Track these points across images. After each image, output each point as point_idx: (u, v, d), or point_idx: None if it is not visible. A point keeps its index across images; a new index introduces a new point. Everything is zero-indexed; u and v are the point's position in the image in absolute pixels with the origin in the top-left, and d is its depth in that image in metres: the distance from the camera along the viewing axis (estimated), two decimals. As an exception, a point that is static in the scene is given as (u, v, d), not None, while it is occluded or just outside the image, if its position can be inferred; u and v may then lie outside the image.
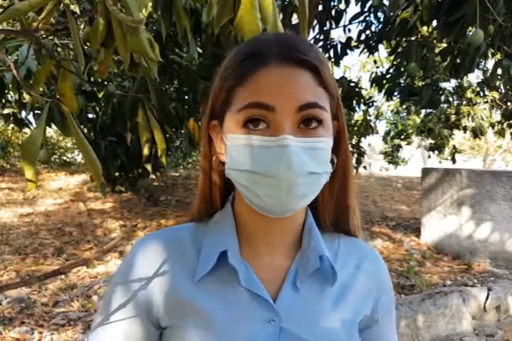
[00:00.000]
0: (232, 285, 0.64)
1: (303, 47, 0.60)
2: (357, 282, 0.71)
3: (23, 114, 4.12)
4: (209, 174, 0.70)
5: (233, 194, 0.71)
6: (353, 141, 6.05)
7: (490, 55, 4.48)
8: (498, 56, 4.15)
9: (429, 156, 9.19)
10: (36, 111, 3.64)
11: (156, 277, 0.66)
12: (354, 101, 5.21)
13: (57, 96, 1.27)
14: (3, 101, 3.43)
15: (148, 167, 3.93)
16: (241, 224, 0.69)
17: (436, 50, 4.12)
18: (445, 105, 6.83)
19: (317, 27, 4.62)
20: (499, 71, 4.21)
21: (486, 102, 7.16)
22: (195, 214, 0.74)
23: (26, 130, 4.59)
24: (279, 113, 0.56)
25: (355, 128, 6.16)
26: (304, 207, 0.68)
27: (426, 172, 4.30)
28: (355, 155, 5.77)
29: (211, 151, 0.69)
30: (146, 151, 1.39)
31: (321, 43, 4.73)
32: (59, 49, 2.81)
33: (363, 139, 6.46)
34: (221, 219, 0.70)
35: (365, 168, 6.65)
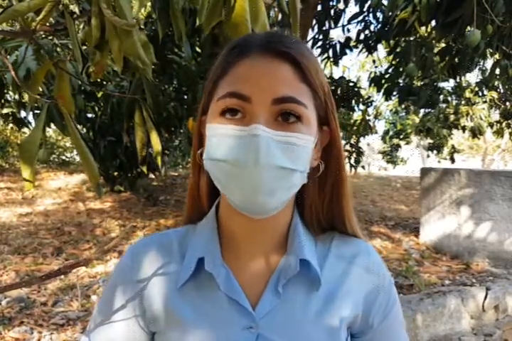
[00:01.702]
0: (212, 290, 0.64)
1: (287, 40, 0.60)
2: (346, 284, 0.68)
3: (23, 113, 4.13)
4: (197, 171, 0.70)
5: (220, 196, 0.70)
6: (352, 141, 6.06)
7: (488, 54, 4.48)
8: (497, 56, 4.16)
9: (428, 156, 9.23)
10: (36, 111, 3.64)
11: (146, 284, 0.66)
12: (353, 101, 5.21)
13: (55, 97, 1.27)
14: (3, 101, 3.44)
15: (144, 169, 3.93)
16: (224, 228, 0.68)
17: (435, 50, 4.13)
18: (444, 105, 6.85)
19: (316, 27, 4.63)
20: (498, 71, 4.22)
21: (485, 102, 7.17)
22: (186, 216, 0.74)
23: (25, 129, 4.60)
24: (254, 104, 0.56)
25: (355, 127, 6.17)
26: (289, 209, 0.67)
27: (425, 172, 4.31)
28: (354, 155, 5.78)
29: (200, 148, 0.68)
30: (142, 153, 1.39)
31: (320, 43, 4.74)
32: (58, 49, 2.81)
33: (361, 139, 6.47)
34: (206, 223, 0.69)
35: (363, 167, 6.66)
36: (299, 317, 0.64)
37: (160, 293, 0.65)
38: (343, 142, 6.26)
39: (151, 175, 6.06)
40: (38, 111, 3.56)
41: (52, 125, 3.11)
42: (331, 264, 0.69)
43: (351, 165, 5.76)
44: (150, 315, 0.65)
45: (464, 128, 7.51)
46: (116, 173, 5.55)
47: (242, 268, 0.66)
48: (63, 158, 9.13)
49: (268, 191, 0.56)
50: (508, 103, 7.06)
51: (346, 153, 5.77)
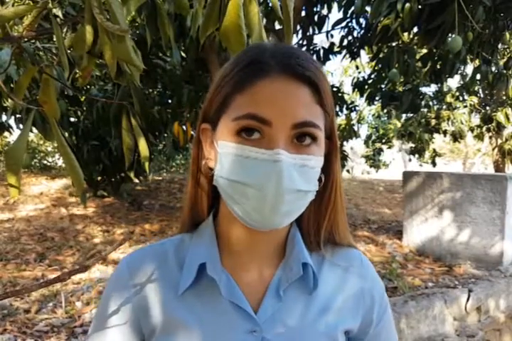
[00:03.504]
0: (213, 296, 0.64)
1: (305, 62, 0.59)
2: (343, 290, 0.70)
3: (4, 118, 4.07)
4: (196, 178, 0.69)
5: (218, 203, 0.70)
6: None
7: (469, 60, 4.57)
8: (477, 62, 4.24)
9: (410, 160, 9.34)
10: (17, 116, 3.60)
11: (143, 292, 0.66)
12: (337, 106, 5.26)
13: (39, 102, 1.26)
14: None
15: (131, 174, 3.90)
16: (223, 235, 0.68)
17: (417, 56, 4.20)
18: (425, 109, 6.95)
19: (300, 32, 4.66)
20: (478, 76, 4.31)
21: (466, 107, 7.31)
22: (183, 223, 0.74)
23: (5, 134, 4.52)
24: (274, 127, 0.56)
25: (338, 132, 6.22)
26: None
27: (407, 175, 4.36)
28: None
29: (199, 155, 0.68)
30: (128, 160, 1.38)
31: (304, 48, 4.77)
32: (40, 53, 2.79)
33: (345, 143, 6.52)
34: (203, 231, 0.70)
35: (348, 171, 6.71)
36: (300, 320, 0.65)
37: (159, 301, 0.65)
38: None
39: (135, 180, 6.01)
40: (19, 115, 3.51)
41: (33, 129, 3.08)
42: (327, 271, 0.71)
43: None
44: (148, 323, 0.65)
45: (445, 133, 7.63)
46: (99, 178, 5.50)
47: (241, 274, 0.67)
48: (45, 162, 8.99)
49: (285, 213, 0.58)
50: (488, 108, 7.21)
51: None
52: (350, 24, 4.58)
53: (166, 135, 5.32)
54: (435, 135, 7.87)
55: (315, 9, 4.54)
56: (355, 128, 6.74)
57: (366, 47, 5.00)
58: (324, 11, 4.61)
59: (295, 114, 0.56)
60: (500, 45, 4.28)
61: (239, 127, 0.57)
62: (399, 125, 8.29)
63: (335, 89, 5.24)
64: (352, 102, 6.17)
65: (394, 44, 4.05)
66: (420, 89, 5.36)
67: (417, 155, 8.32)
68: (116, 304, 0.66)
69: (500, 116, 6.68)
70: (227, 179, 0.59)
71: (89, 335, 0.68)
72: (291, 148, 0.57)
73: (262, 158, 0.56)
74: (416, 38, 3.83)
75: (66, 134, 4.94)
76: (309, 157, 0.58)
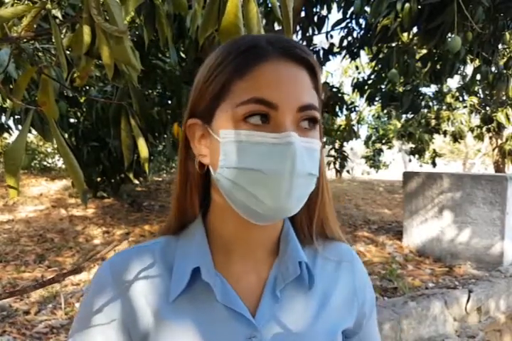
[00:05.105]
0: (209, 302, 0.61)
1: (301, 46, 0.59)
2: (338, 285, 0.69)
3: (3, 119, 4.07)
4: (185, 178, 0.66)
5: (206, 202, 0.67)
6: (336, 146, 6.10)
7: (469, 60, 4.57)
8: (477, 62, 4.24)
9: (410, 160, 9.32)
10: (16, 117, 3.59)
11: (130, 300, 0.62)
12: (337, 106, 5.25)
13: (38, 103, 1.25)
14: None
15: (131, 175, 3.89)
16: (215, 235, 0.65)
17: (417, 56, 4.20)
18: (425, 110, 6.94)
19: (300, 33, 4.66)
20: (478, 76, 4.31)
21: (466, 107, 7.31)
22: (169, 225, 0.70)
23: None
24: (280, 111, 0.54)
25: (338, 132, 6.22)
26: None
27: (407, 176, 4.36)
28: (339, 160, 5.82)
29: (187, 153, 0.65)
30: (127, 160, 1.37)
31: (303, 49, 4.77)
32: (39, 53, 2.78)
33: (345, 143, 6.51)
34: (192, 232, 0.66)
35: (348, 172, 6.69)
36: (299, 320, 0.63)
37: (149, 307, 0.61)
38: (328, 147, 6.32)
39: (135, 181, 6.00)
40: (19, 116, 3.51)
41: (32, 130, 3.08)
42: (321, 266, 0.70)
43: (336, 170, 5.80)
44: (138, 331, 0.61)
45: (445, 133, 7.63)
46: (99, 179, 5.49)
47: (235, 276, 0.64)
48: (44, 163, 8.98)
49: (297, 197, 0.56)
50: (488, 108, 7.19)
51: (331, 158, 5.81)
52: (349, 24, 4.58)
53: (165, 136, 5.31)
54: (435, 135, 7.85)
55: (314, 10, 4.54)
56: (355, 128, 6.71)
57: (366, 48, 5.01)
58: (324, 12, 4.61)
59: (300, 97, 0.56)
60: (500, 45, 4.27)
61: (244, 112, 0.55)
62: (399, 125, 8.28)
63: (335, 89, 5.23)
64: (352, 103, 6.16)
65: (393, 44, 4.05)
66: (420, 89, 5.35)
67: (417, 156, 8.31)
68: (100, 312, 0.61)
69: (500, 117, 6.67)
70: (235, 168, 0.56)
71: None
72: (298, 132, 0.56)
73: (273, 142, 0.54)
74: (415, 38, 3.83)
75: (66, 135, 4.94)
76: (314, 140, 0.58)
